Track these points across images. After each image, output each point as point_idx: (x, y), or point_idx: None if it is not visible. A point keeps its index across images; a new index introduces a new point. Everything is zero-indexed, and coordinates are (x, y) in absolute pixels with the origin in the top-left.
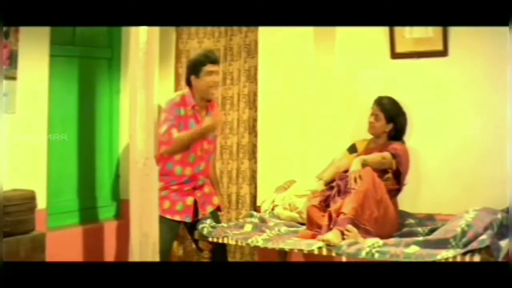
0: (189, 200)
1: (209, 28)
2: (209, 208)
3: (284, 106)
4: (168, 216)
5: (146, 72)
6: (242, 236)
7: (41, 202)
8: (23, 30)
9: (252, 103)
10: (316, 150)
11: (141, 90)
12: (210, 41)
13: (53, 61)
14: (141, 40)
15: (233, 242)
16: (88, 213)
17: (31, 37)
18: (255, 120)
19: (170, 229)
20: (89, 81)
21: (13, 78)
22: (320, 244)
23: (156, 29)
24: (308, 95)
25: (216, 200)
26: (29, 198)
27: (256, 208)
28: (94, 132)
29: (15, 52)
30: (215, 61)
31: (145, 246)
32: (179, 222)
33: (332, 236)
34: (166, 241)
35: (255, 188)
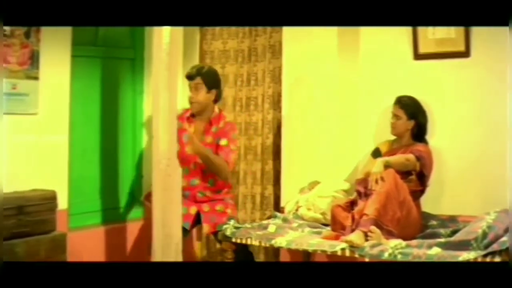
0: (193, 209)
1: (233, 29)
2: (219, 227)
3: (308, 107)
4: None
5: (169, 73)
6: (265, 237)
7: (62, 202)
8: (45, 30)
9: (277, 104)
10: (340, 150)
11: (163, 91)
12: (234, 41)
13: (75, 61)
14: (164, 40)
15: (257, 243)
16: (110, 213)
17: (53, 37)
18: (279, 121)
19: None
20: (111, 82)
21: (35, 78)
22: (343, 245)
23: (179, 30)
24: (332, 96)
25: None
26: (50, 198)
27: (280, 209)
28: (117, 133)
29: (36, 52)
30: (189, 77)
31: (168, 247)
32: None
33: (355, 237)
34: None
35: (280, 189)
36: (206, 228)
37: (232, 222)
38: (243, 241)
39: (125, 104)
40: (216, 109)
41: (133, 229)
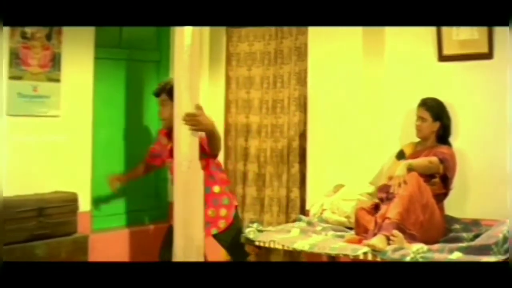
0: None
1: (259, 31)
2: (213, 231)
3: (333, 109)
4: None
5: (190, 74)
6: (288, 240)
7: (85, 204)
8: (67, 33)
9: (303, 106)
10: (365, 153)
11: (185, 92)
12: (260, 43)
13: (98, 63)
14: (186, 42)
15: (280, 247)
16: (134, 215)
17: (75, 39)
18: (305, 123)
19: None
20: (136, 84)
21: (57, 80)
22: (366, 249)
23: (200, 31)
24: (357, 98)
25: (222, 224)
26: (71, 200)
27: (305, 212)
28: (141, 135)
29: (58, 55)
30: (155, 94)
31: (189, 249)
32: None
33: (377, 241)
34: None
35: (305, 191)
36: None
37: (255, 225)
38: (266, 245)
39: (149, 106)
40: None
41: (158, 231)
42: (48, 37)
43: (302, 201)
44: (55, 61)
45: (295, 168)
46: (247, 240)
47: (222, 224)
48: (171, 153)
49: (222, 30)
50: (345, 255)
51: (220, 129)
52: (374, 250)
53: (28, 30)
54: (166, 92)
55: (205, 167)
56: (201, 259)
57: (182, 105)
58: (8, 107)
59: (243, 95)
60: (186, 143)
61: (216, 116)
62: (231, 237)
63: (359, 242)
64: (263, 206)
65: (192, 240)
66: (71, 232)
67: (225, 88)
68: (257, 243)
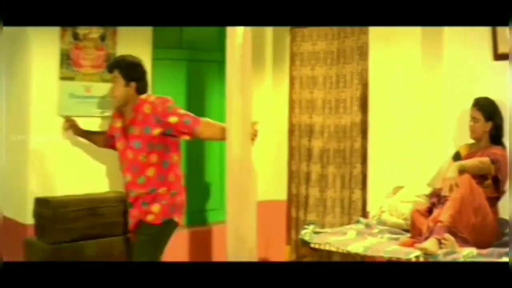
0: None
1: (322, 30)
2: (149, 217)
3: (393, 110)
4: None
5: (242, 75)
6: (343, 243)
7: None
8: (121, 34)
9: (365, 107)
10: (423, 154)
11: (236, 93)
12: (323, 43)
13: (157, 64)
14: (237, 42)
15: (334, 249)
16: (195, 216)
17: (131, 40)
18: (366, 123)
19: None
20: (197, 84)
21: (111, 81)
22: (418, 253)
23: (251, 31)
24: (417, 100)
25: (149, 217)
26: (123, 200)
27: (366, 214)
28: None
29: (112, 56)
30: (108, 69)
31: (241, 251)
32: None
33: (429, 244)
34: None
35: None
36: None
37: (311, 227)
38: (321, 247)
39: (211, 107)
40: (142, 97)
41: (219, 232)
42: (102, 38)
43: (364, 203)
44: (109, 62)
45: (357, 169)
46: (302, 242)
47: (149, 218)
48: (123, 133)
49: (285, 29)
50: (398, 259)
51: (284, 129)
52: (426, 254)
53: (80, 31)
54: (120, 68)
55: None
56: (254, 260)
57: (233, 106)
58: (60, 107)
59: (307, 95)
60: (237, 145)
61: (280, 116)
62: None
63: (411, 245)
64: (326, 208)
65: (244, 242)
66: (124, 232)
67: (289, 88)
68: (312, 245)
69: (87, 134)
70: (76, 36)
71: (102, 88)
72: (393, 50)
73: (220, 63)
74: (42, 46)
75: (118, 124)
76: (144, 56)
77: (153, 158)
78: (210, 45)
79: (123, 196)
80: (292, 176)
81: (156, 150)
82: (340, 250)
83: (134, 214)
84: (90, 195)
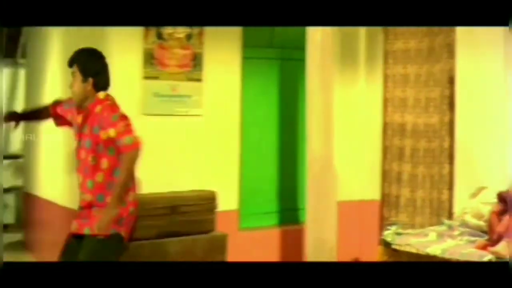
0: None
1: (413, 29)
2: (86, 230)
3: (479, 110)
4: None
5: (323, 74)
6: (423, 244)
7: (232, 203)
8: (209, 33)
9: (453, 105)
10: (507, 155)
11: (317, 92)
12: (414, 41)
13: (247, 63)
14: (317, 40)
15: (414, 251)
16: (287, 214)
17: (218, 40)
18: (454, 123)
19: None
20: (288, 83)
21: (198, 79)
22: (490, 256)
23: (331, 30)
24: (502, 100)
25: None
26: (208, 199)
27: (451, 214)
28: (295, 133)
29: (199, 55)
30: (68, 64)
31: (321, 252)
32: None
33: (501, 248)
34: None
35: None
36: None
37: (393, 227)
38: (402, 248)
39: (303, 105)
40: (100, 95)
41: None
42: (188, 38)
43: (450, 203)
44: (195, 61)
45: (446, 169)
46: (385, 242)
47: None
48: (79, 131)
49: (378, 28)
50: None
51: (377, 128)
52: (498, 257)
53: (165, 30)
54: (78, 62)
55: None
56: (334, 260)
57: (313, 105)
58: (144, 106)
59: (399, 93)
60: (318, 144)
61: (373, 115)
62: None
63: (486, 248)
64: (416, 208)
65: (324, 243)
66: (208, 230)
67: (383, 87)
68: (393, 246)
69: (27, 115)
70: (160, 36)
71: (188, 87)
72: (479, 49)
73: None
74: (125, 46)
75: (79, 119)
76: (233, 55)
77: (103, 163)
78: (300, 43)
79: (207, 195)
80: (384, 175)
81: (107, 154)
82: (419, 252)
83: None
84: (173, 193)
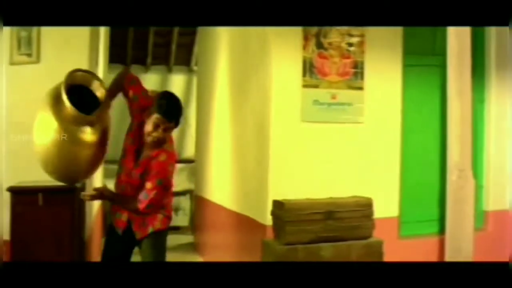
0: (124, 216)
1: None
2: (150, 229)
3: None
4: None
5: (461, 80)
6: None
7: (393, 210)
8: (370, 41)
9: None
10: None
11: (455, 99)
12: None
13: (408, 70)
14: (456, 45)
15: None
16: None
17: (380, 47)
18: None
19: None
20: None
21: (359, 88)
22: None
23: (467, 32)
24: None
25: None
26: (364, 205)
27: None
28: None
29: (360, 63)
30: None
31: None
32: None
33: None
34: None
35: None
36: (137, 234)
37: None
38: None
39: None
40: (170, 147)
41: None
42: (349, 46)
43: None
44: (356, 69)
45: None
46: None
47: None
48: (136, 153)
49: None
50: None
51: None
52: None
53: (324, 40)
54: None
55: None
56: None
57: (452, 112)
58: (304, 114)
59: None
60: (457, 152)
61: None
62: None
63: None
64: None
65: (459, 252)
66: (364, 236)
67: None
68: None
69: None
70: (320, 45)
71: (348, 95)
72: None
73: (473, 68)
74: (285, 56)
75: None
76: (394, 62)
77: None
78: None
79: (363, 201)
80: None
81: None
82: None
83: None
84: (329, 199)
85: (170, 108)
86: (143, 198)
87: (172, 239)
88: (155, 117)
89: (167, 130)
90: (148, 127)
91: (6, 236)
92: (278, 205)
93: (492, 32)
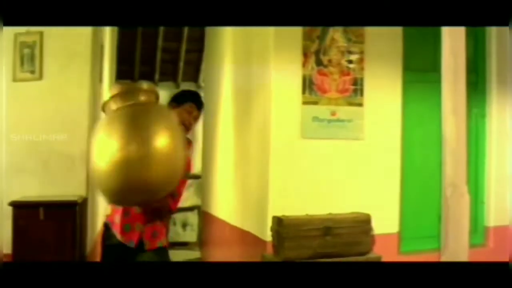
0: (138, 226)
1: None
2: (159, 243)
3: None
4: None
5: (455, 97)
6: None
7: (393, 226)
8: (369, 58)
9: None
10: None
11: (450, 116)
12: None
13: (408, 87)
14: (449, 62)
15: None
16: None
17: (379, 64)
18: None
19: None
20: None
21: (359, 104)
22: None
23: (461, 48)
24: None
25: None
26: (363, 221)
27: None
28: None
29: (360, 80)
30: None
31: None
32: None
33: None
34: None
35: None
36: (147, 244)
37: None
38: None
39: (467, 127)
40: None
41: (473, 256)
42: (349, 63)
43: None
44: (356, 86)
45: None
46: None
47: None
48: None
49: None
50: None
51: None
52: None
53: (324, 57)
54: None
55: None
56: None
57: (447, 130)
58: (303, 130)
59: None
60: (451, 167)
61: None
62: None
63: None
64: None
65: None
66: (362, 252)
67: None
68: None
69: None
70: (319, 62)
71: (348, 112)
72: None
73: (474, 85)
74: (285, 73)
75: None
76: (394, 79)
77: None
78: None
79: (361, 217)
80: None
81: None
82: None
83: None
84: (328, 215)
85: (198, 97)
86: (175, 196)
87: (180, 255)
88: (189, 105)
89: (197, 118)
90: (184, 115)
91: (8, 249)
92: (277, 221)
93: (494, 47)
